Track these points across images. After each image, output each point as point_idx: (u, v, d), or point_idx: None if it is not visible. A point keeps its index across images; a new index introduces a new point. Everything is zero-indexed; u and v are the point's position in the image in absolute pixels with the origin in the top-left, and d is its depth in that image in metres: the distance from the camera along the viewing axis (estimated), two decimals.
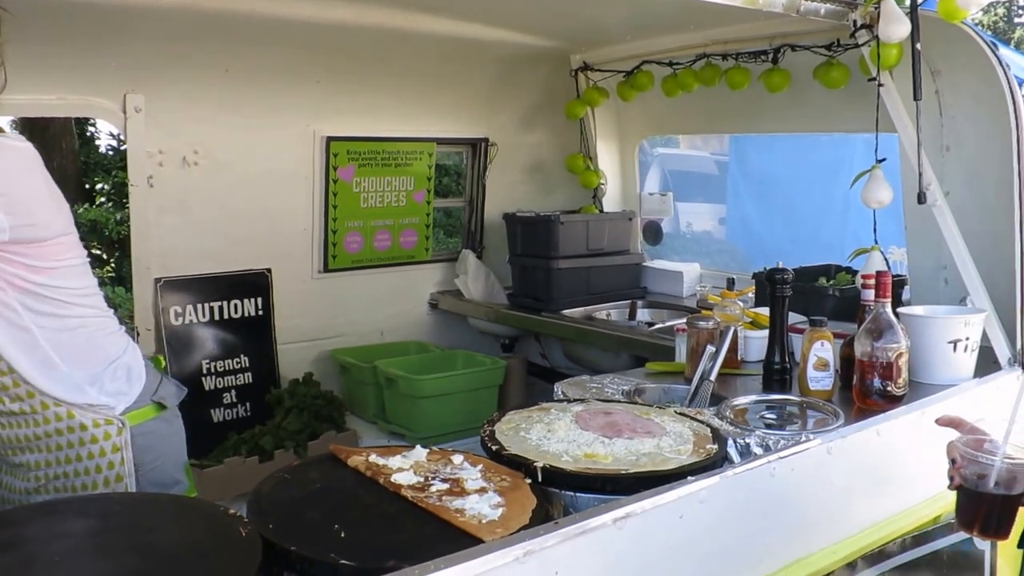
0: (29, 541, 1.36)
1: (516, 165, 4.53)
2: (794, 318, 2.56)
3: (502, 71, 4.12)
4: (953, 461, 1.50)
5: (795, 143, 6.66)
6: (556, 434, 1.85)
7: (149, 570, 1.26)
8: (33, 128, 6.87)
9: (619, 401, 2.24)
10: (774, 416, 2.17)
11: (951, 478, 1.50)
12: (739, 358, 2.65)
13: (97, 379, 1.87)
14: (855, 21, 2.73)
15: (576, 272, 4.00)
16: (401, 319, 4.33)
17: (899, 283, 2.94)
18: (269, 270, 3.83)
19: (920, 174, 2.52)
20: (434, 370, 3.76)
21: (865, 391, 2.21)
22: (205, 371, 3.67)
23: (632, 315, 4.01)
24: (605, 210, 4.53)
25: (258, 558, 1.26)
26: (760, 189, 7.28)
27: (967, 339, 2.38)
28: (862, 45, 2.73)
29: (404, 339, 4.25)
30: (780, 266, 2.44)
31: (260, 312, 3.82)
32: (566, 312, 3.87)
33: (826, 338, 2.29)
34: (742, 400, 2.23)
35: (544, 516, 1.48)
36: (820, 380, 2.29)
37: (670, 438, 1.85)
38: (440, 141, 4.27)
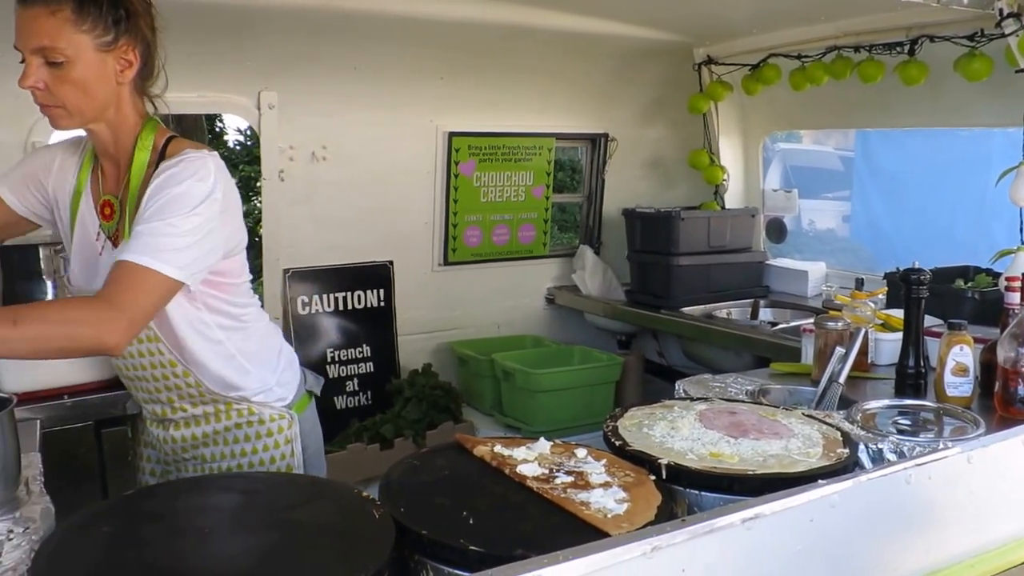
0: (179, 513, 1.44)
1: (635, 160, 4.50)
2: (929, 321, 2.45)
3: (623, 65, 4.10)
4: None
5: (926, 138, 6.37)
6: (680, 432, 1.83)
7: (291, 546, 1.31)
8: (166, 124, 7.23)
9: (743, 401, 2.19)
10: (908, 422, 2.08)
11: None
12: (869, 361, 2.56)
13: (275, 374, 1.96)
14: (1001, 10, 2.60)
15: (697, 269, 3.95)
16: (518, 313, 4.37)
17: None
18: (391, 262, 3.93)
19: None
20: (551, 365, 3.78)
21: (1008, 399, 2.10)
22: (329, 359, 3.79)
23: (754, 314, 3.92)
24: (727, 206, 4.44)
25: (392, 539, 1.30)
26: (888, 186, 6.99)
27: None
28: (1009, 35, 2.60)
29: (520, 333, 4.29)
30: (916, 266, 2.35)
31: (382, 303, 3.92)
32: (685, 310, 3.81)
33: (966, 342, 2.19)
34: (874, 404, 2.15)
35: (669, 513, 1.47)
36: (959, 386, 2.19)
37: (798, 440, 1.80)
38: (560, 136, 4.29)
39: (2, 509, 1.44)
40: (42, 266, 2.63)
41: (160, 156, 1.74)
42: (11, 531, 1.37)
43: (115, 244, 1.77)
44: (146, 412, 1.98)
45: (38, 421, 2.04)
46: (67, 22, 1.59)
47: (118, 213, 1.78)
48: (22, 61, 1.62)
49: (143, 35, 1.71)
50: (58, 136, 1.94)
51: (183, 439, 1.93)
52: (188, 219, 1.61)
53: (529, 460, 1.66)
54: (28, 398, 2.30)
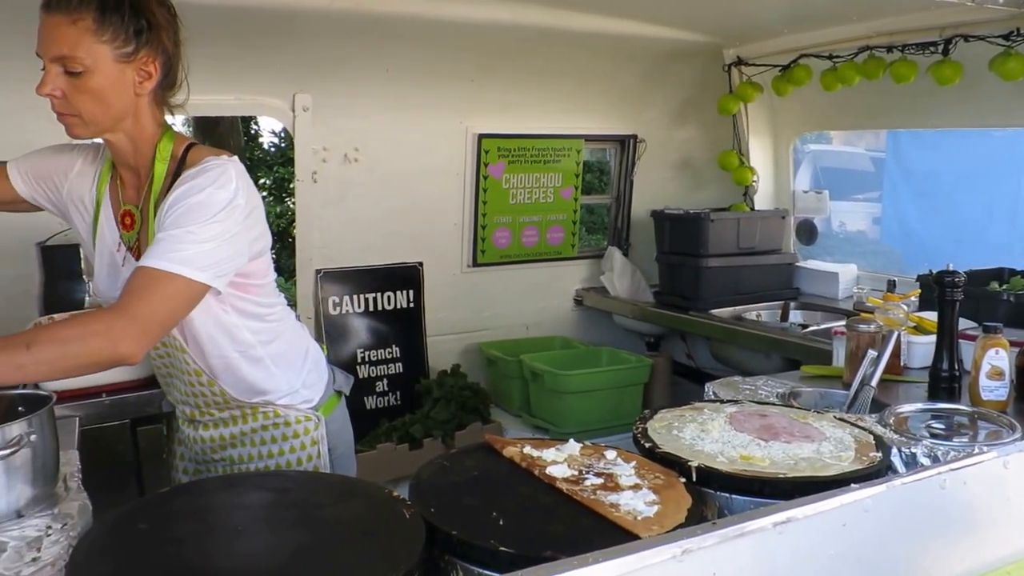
0: (213, 511, 1.46)
1: (664, 161, 4.49)
2: (963, 324, 2.42)
3: (653, 67, 4.09)
4: None
5: (959, 138, 6.29)
6: (710, 434, 1.82)
7: (323, 544, 1.32)
8: (204, 126, 7.32)
9: (774, 404, 2.18)
10: (941, 426, 2.06)
11: None
12: (902, 364, 2.54)
13: (301, 375, 1.97)
14: None
15: (726, 271, 3.93)
16: (546, 314, 4.37)
17: None
18: (421, 263, 3.95)
19: None
20: (579, 366, 3.78)
21: None
22: (360, 360, 3.82)
23: (784, 316, 3.90)
24: (757, 208, 4.42)
25: (422, 539, 1.30)
26: (920, 187, 6.92)
27: None
28: None
29: (549, 334, 4.30)
30: (950, 268, 2.32)
31: (411, 304, 3.94)
32: (714, 311, 3.80)
33: (1001, 346, 2.16)
34: (907, 408, 2.12)
35: (699, 516, 1.47)
36: (994, 390, 2.16)
37: (830, 443, 1.79)
38: (589, 138, 4.29)
39: (41, 505, 1.47)
40: (83, 266, 2.67)
41: (180, 164, 1.73)
42: (49, 527, 1.39)
43: (136, 254, 1.76)
44: (178, 411, 2.00)
45: (77, 419, 2.07)
46: (87, 32, 1.58)
47: (139, 223, 1.78)
48: (43, 68, 1.63)
49: (164, 47, 1.69)
50: None
51: (212, 439, 1.96)
52: (208, 227, 1.60)
53: (559, 461, 1.66)
54: (67, 396, 2.33)
